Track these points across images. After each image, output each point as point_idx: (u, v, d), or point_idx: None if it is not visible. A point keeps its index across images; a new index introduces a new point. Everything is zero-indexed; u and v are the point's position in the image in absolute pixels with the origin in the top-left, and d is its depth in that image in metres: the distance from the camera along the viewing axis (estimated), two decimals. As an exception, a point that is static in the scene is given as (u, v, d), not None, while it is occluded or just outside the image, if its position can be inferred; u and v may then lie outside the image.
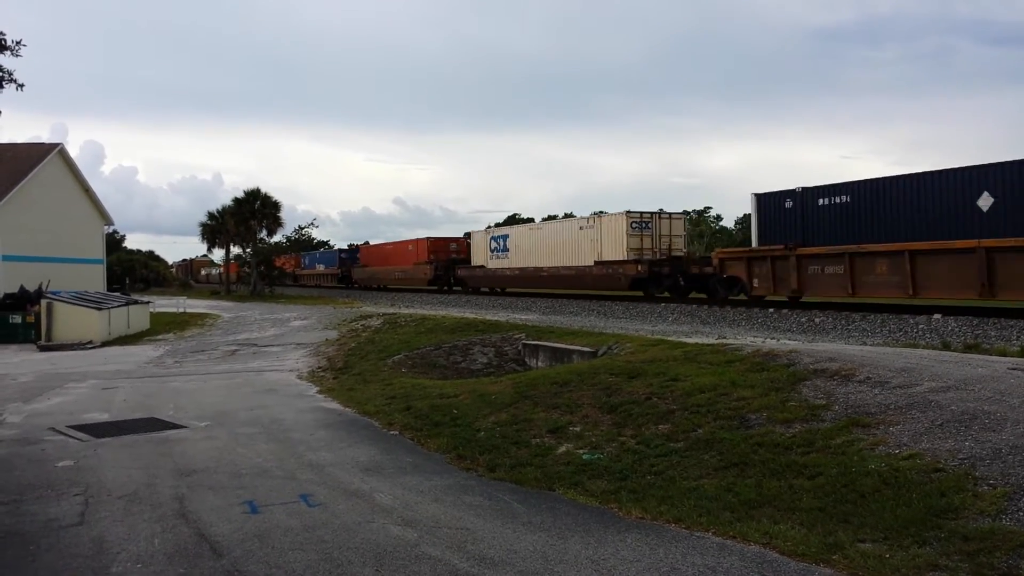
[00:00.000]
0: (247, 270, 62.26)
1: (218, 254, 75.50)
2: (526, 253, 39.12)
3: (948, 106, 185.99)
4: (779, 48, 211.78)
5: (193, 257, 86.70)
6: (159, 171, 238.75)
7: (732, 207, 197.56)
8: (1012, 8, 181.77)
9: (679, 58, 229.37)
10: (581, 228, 35.00)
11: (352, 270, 64.27)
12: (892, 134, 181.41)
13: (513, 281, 40.62)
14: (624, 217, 31.97)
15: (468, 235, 49.10)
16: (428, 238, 51.36)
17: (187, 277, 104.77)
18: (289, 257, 78.22)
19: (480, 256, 44.19)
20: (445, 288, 49.86)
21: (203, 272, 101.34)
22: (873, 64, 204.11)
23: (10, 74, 14.83)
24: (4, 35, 14.33)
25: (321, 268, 72.27)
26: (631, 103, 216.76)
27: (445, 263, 49.32)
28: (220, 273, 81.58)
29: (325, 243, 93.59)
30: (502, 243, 41.63)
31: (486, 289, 44.46)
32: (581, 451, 8.74)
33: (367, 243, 69.01)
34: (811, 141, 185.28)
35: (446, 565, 5.54)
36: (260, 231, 57.51)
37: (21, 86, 14.98)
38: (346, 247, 71.90)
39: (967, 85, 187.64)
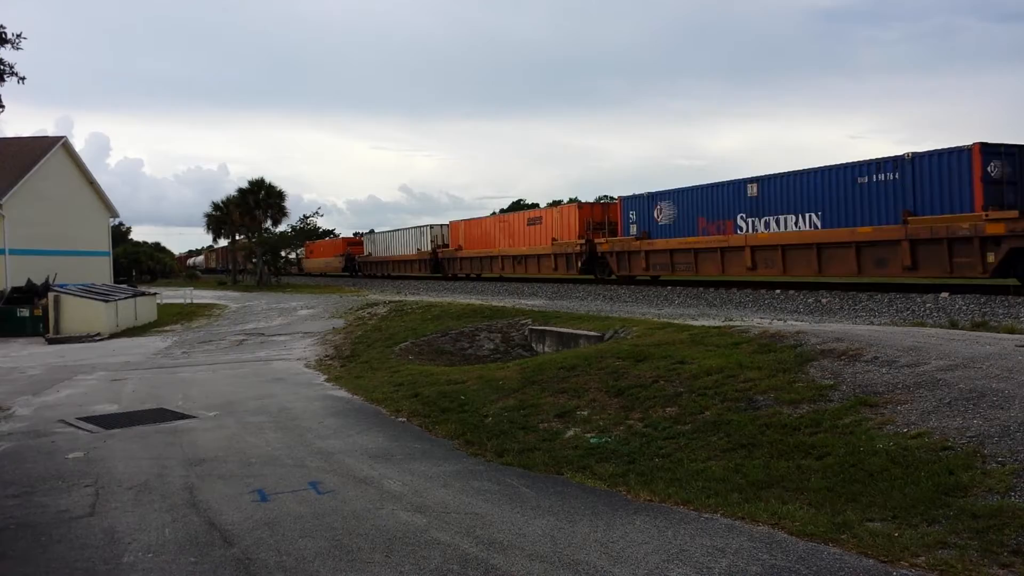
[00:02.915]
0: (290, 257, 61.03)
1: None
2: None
3: (954, 84, 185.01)
4: (784, 29, 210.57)
5: (239, 236, 67.51)
6: (164, 162, 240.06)
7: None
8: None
9: (683, 41, 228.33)
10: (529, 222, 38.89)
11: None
12: (898, 113, 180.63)
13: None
14: (523, 215, 39.92)
15: None
16: None
17: (225, 265, 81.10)
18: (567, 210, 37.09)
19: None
20: None
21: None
22: (879, 44, 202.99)
23: (11, 67, 14.85)
24: (4, 28, 14.34)
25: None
26: (635, 87, 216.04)
27: None
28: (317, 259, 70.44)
29: (331, 232, 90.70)
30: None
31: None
32: (589, 435, 8.75)
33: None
34: (817, 121, 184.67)
35: (456, 550, 5.56)
36: (265, 221, 57.56)
37: (23, 79, 15.00)
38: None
39: (973, 63, 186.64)
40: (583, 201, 35.00)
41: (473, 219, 45.33)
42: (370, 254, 61.19)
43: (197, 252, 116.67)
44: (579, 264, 34.03)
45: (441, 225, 50.02)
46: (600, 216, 34.02)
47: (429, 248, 49.52)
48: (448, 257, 47.16)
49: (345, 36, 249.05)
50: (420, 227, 52.00)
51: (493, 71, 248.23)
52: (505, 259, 40.47)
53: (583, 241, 33.53)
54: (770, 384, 8.92)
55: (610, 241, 31.81)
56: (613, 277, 32.12)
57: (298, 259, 76.23)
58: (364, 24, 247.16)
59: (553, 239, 35.82)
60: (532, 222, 38.43)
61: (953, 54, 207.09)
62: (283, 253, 66.70)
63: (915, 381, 8.01)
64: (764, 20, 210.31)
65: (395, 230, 57.64)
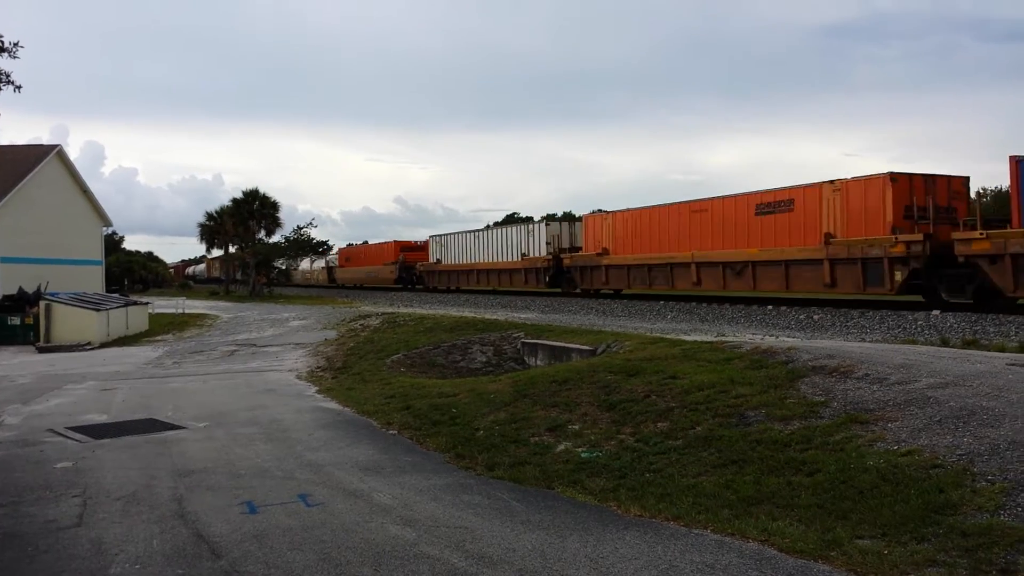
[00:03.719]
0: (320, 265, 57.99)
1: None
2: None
3: (950, 103, 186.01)
4: (782, 45, 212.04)
5: (233, 247, 60.83)
6: (159, 172, 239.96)
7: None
8: (1014, 5, 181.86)
9: (681, 55, 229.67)
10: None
11: None
12: (894, 131, 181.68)
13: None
14: (747, 199, 25.23)
15: None
16: None
17: (232, 275, 66.68)
18: None
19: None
20: None
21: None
22: (876, 61, 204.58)
23: (7, 75, 14.85)
24: (1, 37, 14.35)
25: None
26: (632, 101, 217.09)
27: None
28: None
29: (324, 243, 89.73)
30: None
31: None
32: (580, 449, 8.74)
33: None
34: (814, 138, 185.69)
35: (445, 564, 5.54)
36: (259, 231, 57.54)
37: (19, 87, 15.00)
38: None
39: (969, 82, 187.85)
40: (896, 172, 20.70)
41: (630, 210, 31.14)
42: (438, 261, 48.54)
43: (198, 260, 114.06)
44: (896, 277, 20.11)
45: (562, 220, 39.17)
46: (930, 193, 20.64)
47: (545, 253, 36.68)
48: (584, 265, 33.27)
49: (341, 47, 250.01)
50: (528, 225, 40.24)
51: (490, 84, 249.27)
52: (706, 267, 26.54)
53: (917, 238, 19.57)
54: (761, 400, 8.94)
55: (1002, 237, 17.69)
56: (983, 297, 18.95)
57: (329, 268, 68.95)
58: (360, 36, 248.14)
59: (827, 235, 22.08)
60: (770, 209, 24.20)
61: (951, 72, 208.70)
62: (278, 264, 65.85)
63: (906, 399, 8.03)
64: (762, 36, 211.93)
65: (481, 230, 45.14)
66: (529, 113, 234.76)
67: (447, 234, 48.42)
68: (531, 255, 38.00)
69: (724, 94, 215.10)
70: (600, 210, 34.27)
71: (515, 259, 39.36)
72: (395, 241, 58.37)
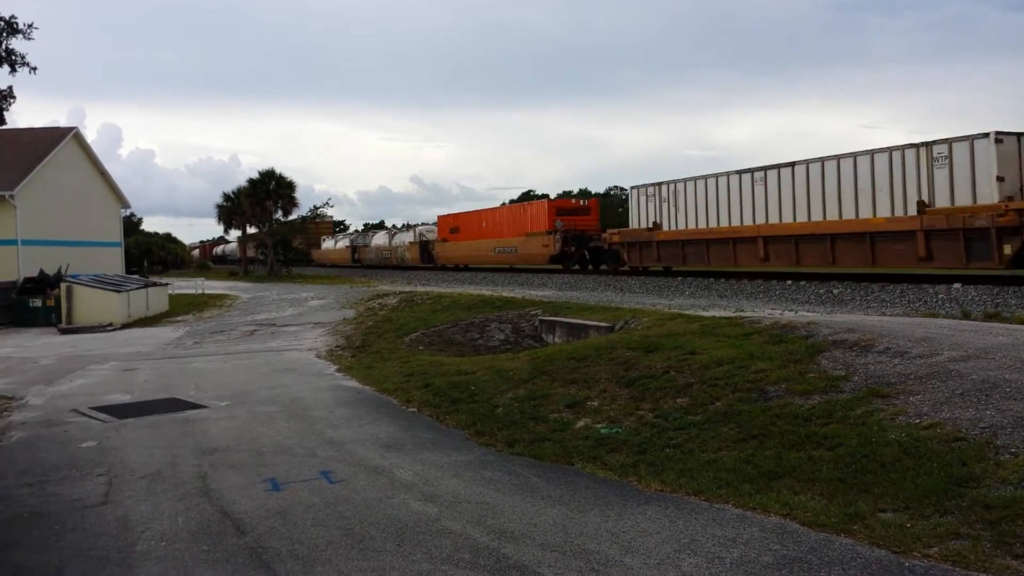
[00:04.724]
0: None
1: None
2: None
3: (968, 73, 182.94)
4: (795, 18, 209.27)
5: (250, 227, 55.05)
6: (176, 153, 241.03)
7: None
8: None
9: (693, 30, 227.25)
10: None
11: None
12: (911, 103, 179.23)
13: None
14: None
15: None
16: None
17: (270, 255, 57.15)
18: None
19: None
20: None
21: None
22: (891, 32, 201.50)
23: (23, 57, 14.91)
24: (16, 18, 14.41)
25: None
26: (645, 77, 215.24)
27: None
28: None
29: (341, 223, 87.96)
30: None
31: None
32: (599, 425, 8.76)
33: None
34: (829, 111, 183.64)
35: (467, 539, 5.58)
36: (276, 212, 57.59)
37: (34, 69, 15.10)
38: None
39: (988, 52, 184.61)
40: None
41: None
42: (655, 226, 30.19)
43: (220, 241, 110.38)
44: None
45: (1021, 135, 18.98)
46: None
47: (998, 198, 18.37)
48: None
49: (355, 27, 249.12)
50: (921, 148, 20.49)
51: (503, 62, 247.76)
52: None
53: None
54: (781, 375, 8.90)
55: None
56: None
57: (423, 243, 53.69)
58: (373, 15, 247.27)
59: None
60: None
61: (969, 42, 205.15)
62: (328, 241, 64.76)
63: (927, 372, 7.97)
64: (775, 9, 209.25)
65: (776, 167, 25.17)
66: (541, 90, 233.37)
67: (674, 181, 29.89)
68: (941, 204, 19.88)
69: (738, 68, 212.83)
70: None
71: (893, 213, 21.18)
72: (547, 201, 42.43)
